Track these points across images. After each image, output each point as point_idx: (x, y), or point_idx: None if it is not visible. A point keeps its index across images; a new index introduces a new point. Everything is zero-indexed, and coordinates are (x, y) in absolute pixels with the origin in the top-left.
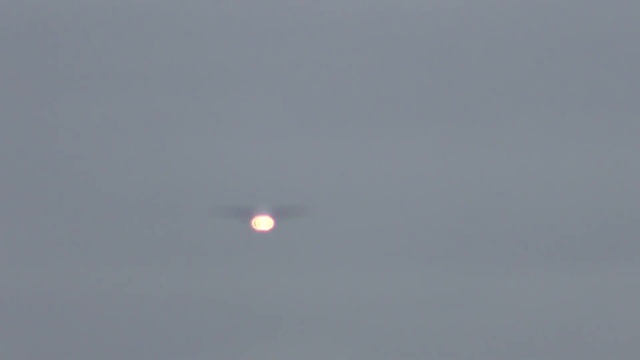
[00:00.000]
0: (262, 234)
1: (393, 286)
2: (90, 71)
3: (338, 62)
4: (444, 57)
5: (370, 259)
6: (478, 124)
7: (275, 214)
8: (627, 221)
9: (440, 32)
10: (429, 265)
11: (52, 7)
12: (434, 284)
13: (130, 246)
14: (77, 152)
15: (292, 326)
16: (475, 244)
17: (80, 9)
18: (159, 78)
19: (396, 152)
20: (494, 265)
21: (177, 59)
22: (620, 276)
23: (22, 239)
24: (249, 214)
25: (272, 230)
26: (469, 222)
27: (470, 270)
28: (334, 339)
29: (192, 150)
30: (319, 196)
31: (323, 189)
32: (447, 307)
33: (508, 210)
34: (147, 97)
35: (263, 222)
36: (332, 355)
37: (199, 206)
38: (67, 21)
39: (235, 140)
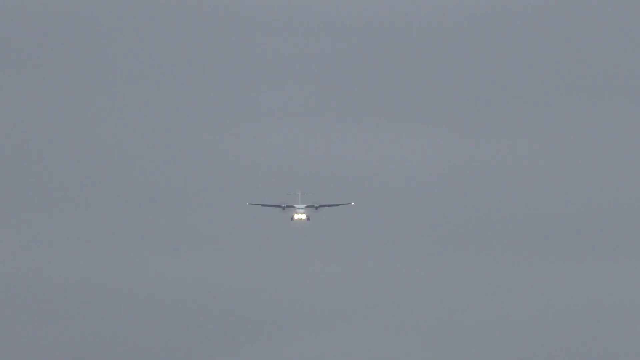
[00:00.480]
0: (299, 223)
1: (432, 274)
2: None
3: (359, 59)
4: (457, 56)
5: (405, 249)
6: (504, 119)
7: (312, 205)
8: None
9: (452, 32)
10: (466, 255)
11: (53, 7)
12: (475, 272)
13: (170, 236)
14: (128, 147)
15: (331, 314)
16: (517, 234)
17: (86, 7)
18: (187, 76)
19: (429, 144)
20: (534, 255)
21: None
22: None
23: (78, 229)
24: (286, 205)
25: (308, 220)
26: (510, 214)
27: (514, 260)
28: (375, 325)
29: (231, 144)
30: (355, 188)
31: (357, 181)
32: (492, 295)
33: (540, 204)
34: (190, 94)
35: (300, 213)
36: (375, 340)
37: (238, 197)
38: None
39: (271, 134)
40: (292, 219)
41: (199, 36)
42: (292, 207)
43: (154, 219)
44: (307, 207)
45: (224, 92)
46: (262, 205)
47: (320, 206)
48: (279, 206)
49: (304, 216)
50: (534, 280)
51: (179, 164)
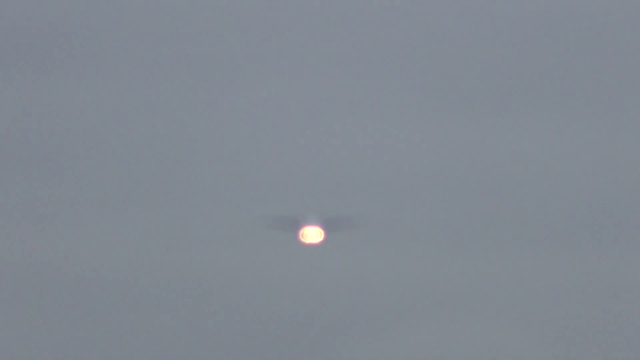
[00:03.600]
0: (311, 246)
1: (461, 291)
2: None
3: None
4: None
5: (429, 266)
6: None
7: (325, 225)
8: None
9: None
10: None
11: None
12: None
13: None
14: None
15: (351, 333)
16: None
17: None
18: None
19: (456, 147)
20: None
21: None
22: None
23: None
24: (297, 225)
25: (321, 242)
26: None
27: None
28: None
29: (238, 157)
30: (373, 202)
31: (376, 195)
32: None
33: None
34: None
35: (312, 234)
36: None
37: (247, 216)
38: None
39: (283, 148)
40: (303, 236)
41: (208, 37)
42: (304, 223)
43: (158, 240)
44: (321, 222)
45: (229, 94)
46: (272, 221)
47: (335, 222)
48: (289, 222)
49: (317, 234)
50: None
51: (182, 174)
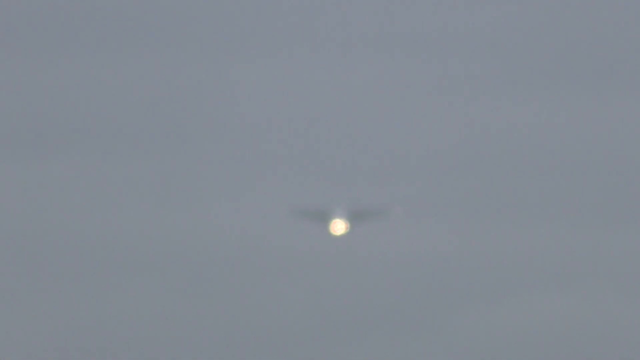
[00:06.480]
0: (338, 237)
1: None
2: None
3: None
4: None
5: (458, 258)
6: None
7: (351, 218)
8: None
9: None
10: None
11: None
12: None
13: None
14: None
15: (371, 330)
16: None
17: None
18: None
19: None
20: None
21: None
22: None
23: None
24: (325, 217)
25: (347, 233)
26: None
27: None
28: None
29: (268, 153)
30: (403, 192)
31: (406, 184)
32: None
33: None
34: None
35: (339, 226)
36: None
37: (277, 209)
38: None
39: (312, 143)
40: (332, 227)
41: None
42: (331, 214)
43: (179, 225)
44: (349, 214)
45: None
46: (299, 211)
47: (363, 212)
48: (317, 213)
49: (344, 224)
50: None
51: (197, 162)
